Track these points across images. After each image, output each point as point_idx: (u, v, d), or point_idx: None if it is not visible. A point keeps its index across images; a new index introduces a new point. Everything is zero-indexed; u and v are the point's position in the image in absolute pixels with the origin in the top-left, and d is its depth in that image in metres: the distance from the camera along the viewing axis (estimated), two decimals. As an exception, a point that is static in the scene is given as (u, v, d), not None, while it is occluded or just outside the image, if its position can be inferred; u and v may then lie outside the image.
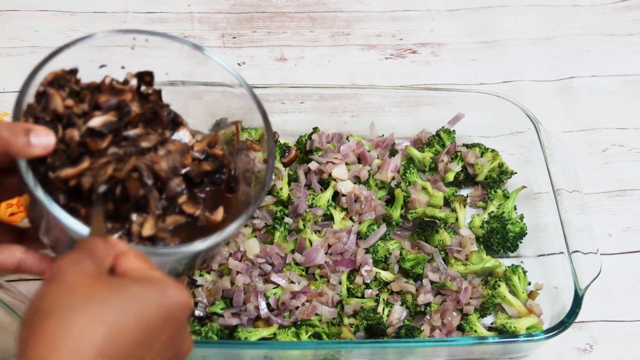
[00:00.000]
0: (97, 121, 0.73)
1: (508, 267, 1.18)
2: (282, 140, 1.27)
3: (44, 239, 0.74)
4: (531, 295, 1.16)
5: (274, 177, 1.19)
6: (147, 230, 0.72)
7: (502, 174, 1.27)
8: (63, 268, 0.62)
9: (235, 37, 1.49)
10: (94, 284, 0.61)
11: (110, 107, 0.75)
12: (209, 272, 1.11)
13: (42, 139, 0.70)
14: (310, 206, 1.20)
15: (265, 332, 1.07)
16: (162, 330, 0.63)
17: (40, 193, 0.68)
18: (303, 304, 1.09)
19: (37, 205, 0.68)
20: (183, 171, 0.76)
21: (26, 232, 0.79)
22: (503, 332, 1.12)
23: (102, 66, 0.79)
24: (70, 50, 0.75)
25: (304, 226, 1.16)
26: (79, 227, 0.68)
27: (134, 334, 0.60)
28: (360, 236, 1.18)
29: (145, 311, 0.61)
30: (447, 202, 1.24)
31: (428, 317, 1.11)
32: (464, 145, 1.31)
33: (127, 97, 0.76)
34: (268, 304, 1.08)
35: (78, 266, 0.63)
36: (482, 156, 1.28)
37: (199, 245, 0.72)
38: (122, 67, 0.79)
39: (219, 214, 0.77)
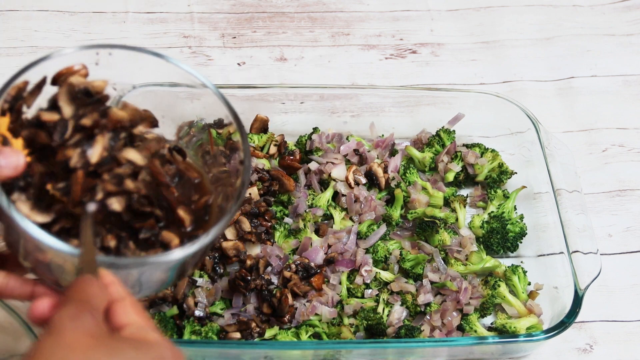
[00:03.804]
0: (96, 154, 0.72)
1: (508, 267, 1.18)
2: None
3: (24, 262, 0.73)
4: (531, 295, 1.16)
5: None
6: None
7: (502, 174, 1.27)
8: (61, 323, 0.62)
9: (235, 37, 1.49)
10: (93, 344, 0.61)
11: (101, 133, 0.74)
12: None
13: (11, 160, 0.69)
14: (310, 206, 1.20)
15: (265, 332, 1.07)
16: None
17: (14, 212, 0.66)
18: (303, 304, 1.09)
19: (13, 226, 0.67)
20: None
21: (6, 258, 0.78)
22: (503, 332, 1.12)
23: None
24: (40, 67, 0.73)
25: (304, 226, 1.16)
26: (56, 244, 0.66)
27: None
28: (360, 236, 1.18)
29: None
30: (447, 202, 1.24)
31: (428, 317, 1.11)
32: (464, 145, 1.31)
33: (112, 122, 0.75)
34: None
35: (76, 322, 0.62)
36: (482, 156, 1.28)
37: (178, 252, 0.71)
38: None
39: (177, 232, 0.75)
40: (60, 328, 0.61)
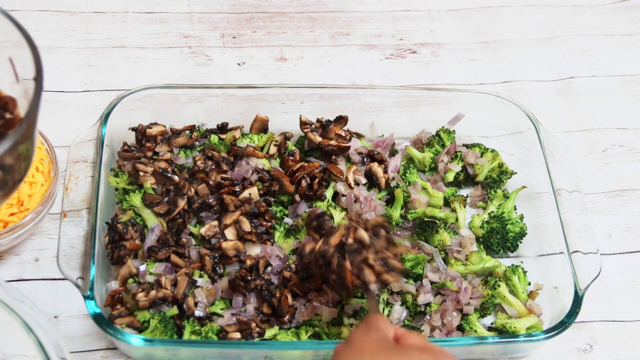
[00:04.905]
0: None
1: (508, 267, 1.18)
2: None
3: None
4: (531, 295, 1.16)
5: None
6: None
7: (502, 174, 1.27)
8: (354, 336, 0.85)
9: (235, 37, 1.49)
10: (380, 347, 0.81)
11: None
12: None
13: None
14: (310, 206, 1.20)
15: (265, 332, 1.07)
16: None
17: None
18: (303, 305, 1.09)
19: None
20: None
21: None
22: (503, 332, 1.12)
23: None
24: None
25: (304, 226, 1.16)
26: None
27: None
28: (360, 236, 1.17)
29: None
30: (447, 202, 1.24)
31: (428, 317, 1.11)
32: (464, 145, 1.31)
33: None
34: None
35: (365, 335, 0.84)
36: (482, 156, 1.28)
37: None
38: None
39: None
40: (353, 339, 0.85)
